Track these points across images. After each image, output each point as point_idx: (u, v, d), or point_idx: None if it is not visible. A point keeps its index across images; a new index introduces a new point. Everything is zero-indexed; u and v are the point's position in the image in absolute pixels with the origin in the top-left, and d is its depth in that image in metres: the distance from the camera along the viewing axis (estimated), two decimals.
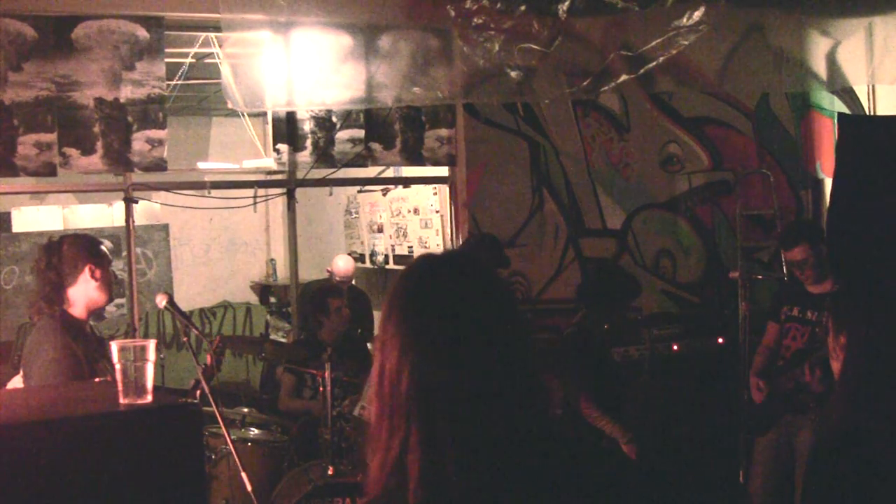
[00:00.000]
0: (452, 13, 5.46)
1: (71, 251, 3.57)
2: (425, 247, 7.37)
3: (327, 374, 4.73)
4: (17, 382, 3.59)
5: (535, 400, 1.45)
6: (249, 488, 3.57)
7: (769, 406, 4.77)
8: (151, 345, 2.39)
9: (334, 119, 5.84)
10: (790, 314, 4.84)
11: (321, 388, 4.85)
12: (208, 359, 4.30)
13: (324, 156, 5.83)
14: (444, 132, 6.08)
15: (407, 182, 7.21)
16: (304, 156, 5.80)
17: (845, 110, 6.91)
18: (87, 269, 3.55)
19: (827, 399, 4.49)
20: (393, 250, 8.16)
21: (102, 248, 3.67)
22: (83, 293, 3.56)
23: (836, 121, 6.70)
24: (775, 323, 4.96)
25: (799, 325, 4.77)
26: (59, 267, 3.55)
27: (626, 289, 5.10)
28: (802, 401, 4.59)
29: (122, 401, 2.35)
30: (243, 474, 3.55)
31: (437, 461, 1.38)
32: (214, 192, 5.73)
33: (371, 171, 6.50)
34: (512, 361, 1.45)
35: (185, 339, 3.80)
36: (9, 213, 7.93)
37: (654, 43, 5.67)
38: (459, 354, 1.42)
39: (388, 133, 5.97)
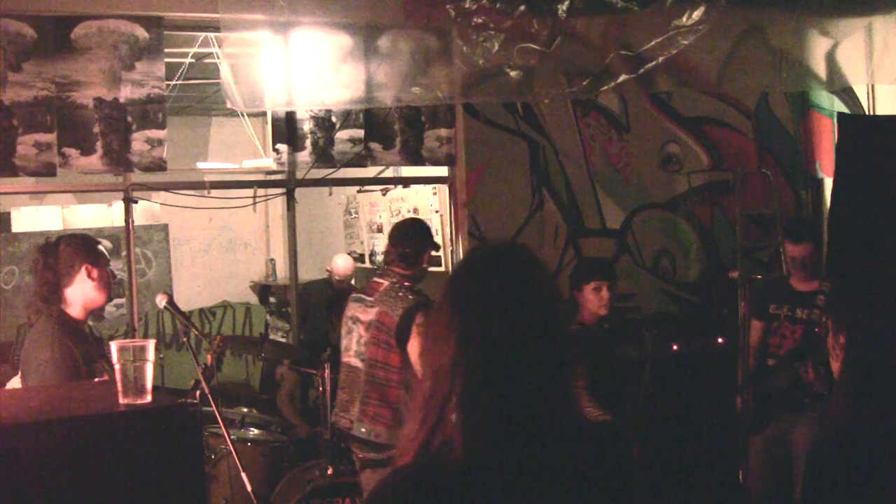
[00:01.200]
0: (452, 13, 5.46)
1: (67, 251, 3.56)
2: None
3: (327, 373, 4.73)
4: (16, 383, 3.59)
5: (562, 378, 1.63)
6: (249, 488, 3.57)
7: (763, 405, 4.77)
8: (151, 345, 2.39)
9: (334, 119, 5.84)
10: (778, 312, 4.86)
11: (321, 389, 4.86)
12: (209, 358, 4.29)
13: (323, 156, 5.82)
14: (443, 132, 6.08)
15: (406, 182, 7.20)
16: (304, 156, 5.80)
17: (845, 110, 6.90)
18: (83, 269, 3.54)
19: (825, 398, 4.51)
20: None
21: (100, 247, 3.66)
22: (80, 293, 3.55)
23: (835, 121, 6.70)
24: (760, 321, 4.97)
25: (789, 324, 4.79)
26: (55, 267, 3.54)
27: (581, 271, 5.10)
28: (798, 398, 4.60)
29: (121, 401, 2.35)
30: (243, 474, 3.55)
31: (476, 423, 1.55)
32: (214, 192, 5.73)
33: (371, 171, 6.50)
34: (544, 343, 1.62)
35: (184, 339, 3.80)
36: (8, 214, 7.93)
37: (653, 43, 5.66)
38: (497, 332, 1.60)
39: (387, 133, 5.97)
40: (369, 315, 4.47)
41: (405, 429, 1.65)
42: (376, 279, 4.65)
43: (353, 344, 4.56)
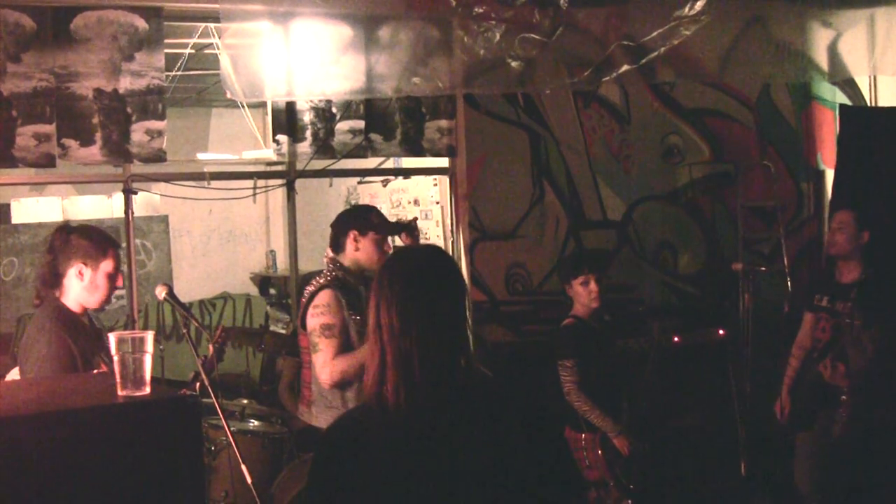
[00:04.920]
0: (453, 3, 5.44)
1: (71, 243, 3.51)
2: (426, 238, 7.35)
3: None
4: (16, 374, 3.57)
5: (463, 343, 2.16)
6: (249, 480, 3.56)
7: (808, 402, 4.73)
8: (150, 336, 2.38)
9: (334, 110, 5.82)
10: (821, 304, 4.82)
11: None
12: (210, 350, 4.28)
13: (324, 147, 5.81)
14: (444, 123, 6.06)
15: (407, 173, 7.19)
16: (304, 147, 5.78)
17: (847, 102, 6.88)
18: (76, 267, 3.49)
19: (858, 391, 4.46)
20: (393, 241, 8.14)
21: (110, 250, 3.54)
22: (71, 288, 3.51)
23: (837, 112, 6.68)
24: (811, 312, 4.89)
25: (828, 316, 4.73)
26: (57, 253, 3.51)
27: (567, 266, 5.09)
28: (830, 395, 4.54)
29: (120, 393, 2.34)
30: (243, 466, 3.54)
31: (407, 372, 2.06)
32: (214, 184, 5.71)
33: (371, 162, 6.49)
34: (449, 317, 2.13)
35: (184, 330, 3.78)
36: (8, 205, 7.93)
37: (655, 33, 5.64)
38: (415, 308, 2.10)
39: (388, 124, 5.95)
40: None
41: (364, 379, 2.15)
42: None
43: None
